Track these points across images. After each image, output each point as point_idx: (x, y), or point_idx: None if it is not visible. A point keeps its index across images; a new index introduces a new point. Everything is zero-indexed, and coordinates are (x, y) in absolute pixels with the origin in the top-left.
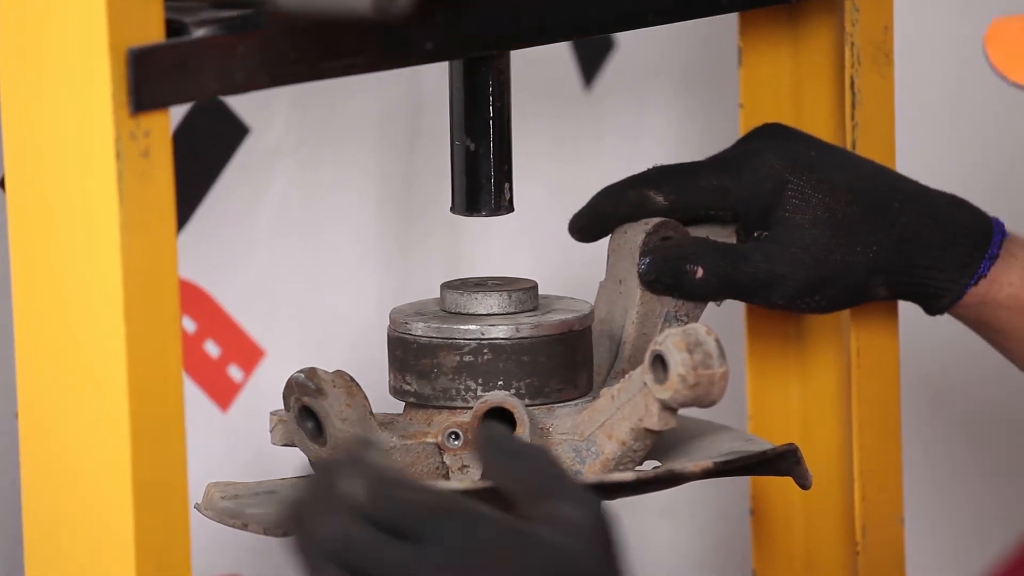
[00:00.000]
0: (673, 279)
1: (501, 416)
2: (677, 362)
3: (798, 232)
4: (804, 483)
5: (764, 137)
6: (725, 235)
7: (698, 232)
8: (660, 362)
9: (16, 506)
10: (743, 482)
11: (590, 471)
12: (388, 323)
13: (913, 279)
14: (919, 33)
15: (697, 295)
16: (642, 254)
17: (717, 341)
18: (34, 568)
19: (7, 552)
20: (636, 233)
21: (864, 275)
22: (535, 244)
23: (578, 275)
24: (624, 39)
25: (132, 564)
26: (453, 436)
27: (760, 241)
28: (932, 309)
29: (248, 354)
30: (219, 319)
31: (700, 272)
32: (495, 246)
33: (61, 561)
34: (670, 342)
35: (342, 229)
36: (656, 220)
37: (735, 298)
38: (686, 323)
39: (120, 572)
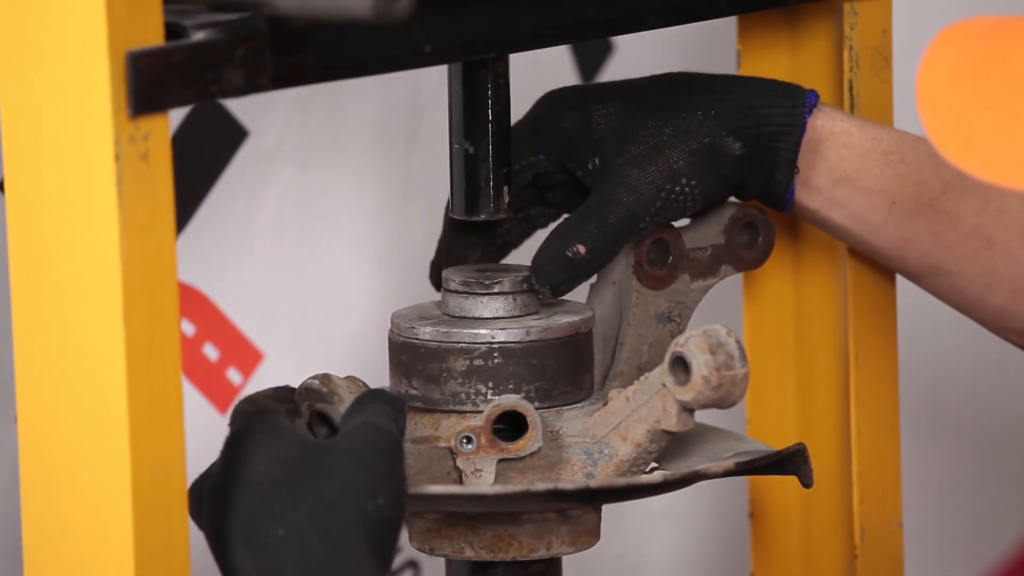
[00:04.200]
0: (569, 272)
1: (512, 419)
2: (700, 363)
3: (626, 138)
4: (808, 482)
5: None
6: (715, 234)
7: (688, 234)
8: (681, 363)
9: (15, 509)
10: (742, 485)
11: (602, 473)
12: (389, 327)
13: (751, 120)
14: (918, 36)
15: (600, 265)
16: (532, 270)
17: (738, 342)
18: (34, 572)
19: (7, 558)
20: None
21: (705, 133)
22: (532, 247)
23: None
24: (623, 42)
25: (131, 567)
26: (466, 440)
27: (603, 179)
28: (780, 160)
29: (247, 357)
30: (218, 322)
31: (582, 249)
32: None
33: (60, 564)
34: (692, 343)
35: (340, 232)
36: None
37: (633, 238)
38: (679, 324)
39: (119, 575)
